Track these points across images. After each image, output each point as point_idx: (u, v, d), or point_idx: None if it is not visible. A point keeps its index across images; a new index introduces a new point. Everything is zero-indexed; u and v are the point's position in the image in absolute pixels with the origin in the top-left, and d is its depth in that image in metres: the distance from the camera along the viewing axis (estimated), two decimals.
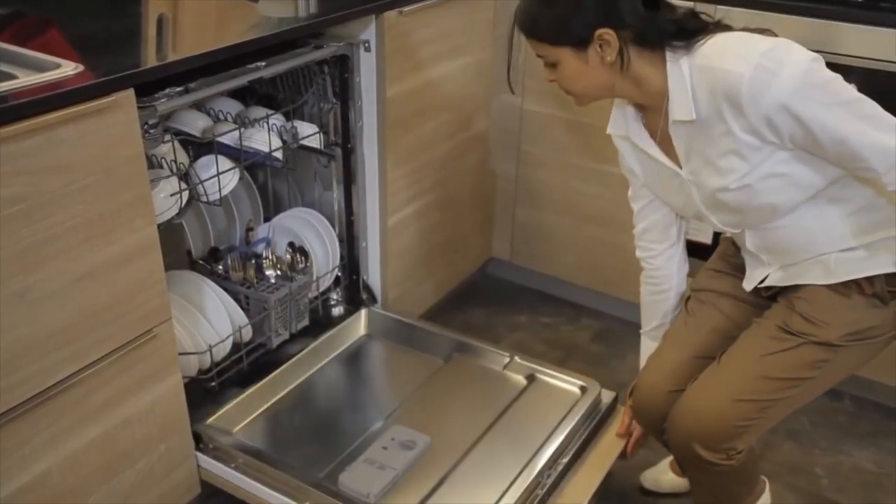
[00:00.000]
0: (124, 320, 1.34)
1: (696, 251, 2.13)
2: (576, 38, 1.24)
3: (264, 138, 1.66)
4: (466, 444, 1.60)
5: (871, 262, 1.27)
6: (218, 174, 1.60)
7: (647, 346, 1.61)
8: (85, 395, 1.31)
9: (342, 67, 1.75)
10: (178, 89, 1.39)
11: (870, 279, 1.28)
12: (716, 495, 1.50)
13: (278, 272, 1.82)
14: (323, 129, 1.80)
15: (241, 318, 1.73)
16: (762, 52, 1.16)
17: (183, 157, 1.57)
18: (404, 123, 1.89)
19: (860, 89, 1.78)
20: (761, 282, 1.39)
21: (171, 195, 1.52)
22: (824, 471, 1.89)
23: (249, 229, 1.91)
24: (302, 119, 1.81)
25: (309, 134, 1.76)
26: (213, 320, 1.67)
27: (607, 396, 1.71)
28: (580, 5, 1.22)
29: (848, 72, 1.78)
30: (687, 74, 1.23)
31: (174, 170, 1.53)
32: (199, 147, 1.66)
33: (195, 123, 1.64)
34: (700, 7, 1.87)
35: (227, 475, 1.54)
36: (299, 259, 1.87)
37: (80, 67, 1.21)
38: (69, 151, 1.17)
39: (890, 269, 1.26)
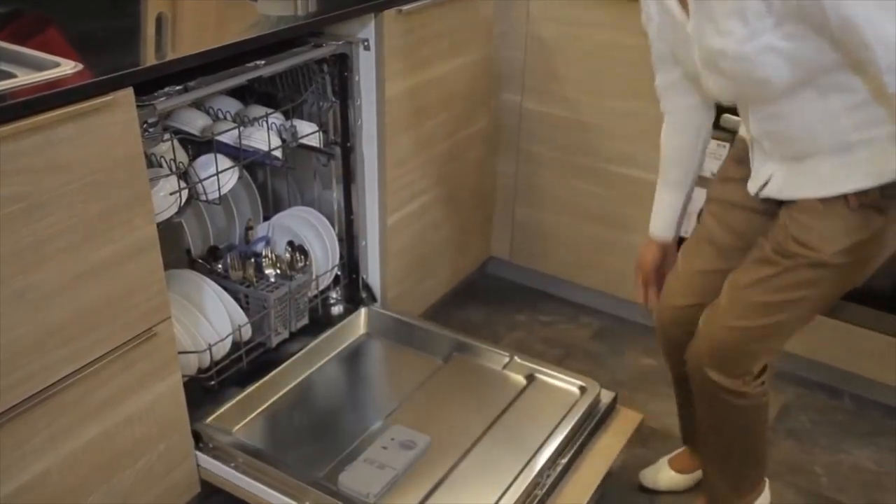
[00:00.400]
0: (124, 319, 1.33)
1: None
2: None
3: (263, 137, 1.66)
4: (466, 444, 1.60)
5: (863, 171, 1.23)
6: (217, 173, 1.60)
7: (661, 200, 1.57)
8: (84, 394, 1.31)
9: (341, 66, 1.75)
10: (178, 88, 1.39)
11: (865, 191, 1.24)
12: (730, 445, 1.51)
13: (278, 271, 1.82)
14: (322, 127, 1.80)
15: (240, 316, 1.73)
16: None
17: (182, 156, 1.57)
18: (404, 122, 1.89)
19: None
20: (763, 187, 1.37)
21: (171, 194, 1.52)
22: (824, 469, 1.89)
23: (249, 228, 1.91)
24: (301, 118, 1.81)
25: (308, 133, 1.76)
26: (212, 319, 1.67)
27: (607, 396, 1.71)
28: None
29: None
30: None
31: (173, 169, 1.53)
32: (198, 146, 1.66)
33: (194, 122, 1.64)
34: None
35: (226, 474, 1.54)
36: (299, 258, 1.87)
37: (80, 66, 1.21)
38: (68, 150, 1.17)
39: (876, 183, 1.23)
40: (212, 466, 1.56)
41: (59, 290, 1.22)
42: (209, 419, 1.60)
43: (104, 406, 1.35)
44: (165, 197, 1.51)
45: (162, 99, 1.36)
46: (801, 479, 1.86)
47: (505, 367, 1.82)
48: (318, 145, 1.79)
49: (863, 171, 1.24)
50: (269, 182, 2.03)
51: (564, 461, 1.54)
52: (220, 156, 1.61)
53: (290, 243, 1.89)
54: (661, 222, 1.57)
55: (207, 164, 1.61)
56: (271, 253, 1.84)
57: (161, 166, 1.54)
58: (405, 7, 1.75)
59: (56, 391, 1.25)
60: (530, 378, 1.78)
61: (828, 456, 1.92)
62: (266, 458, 1.54)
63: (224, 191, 1.63)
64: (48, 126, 1.13)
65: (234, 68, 1.49)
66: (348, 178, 1.89)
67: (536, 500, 1.47)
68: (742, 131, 1.45)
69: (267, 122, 1.68)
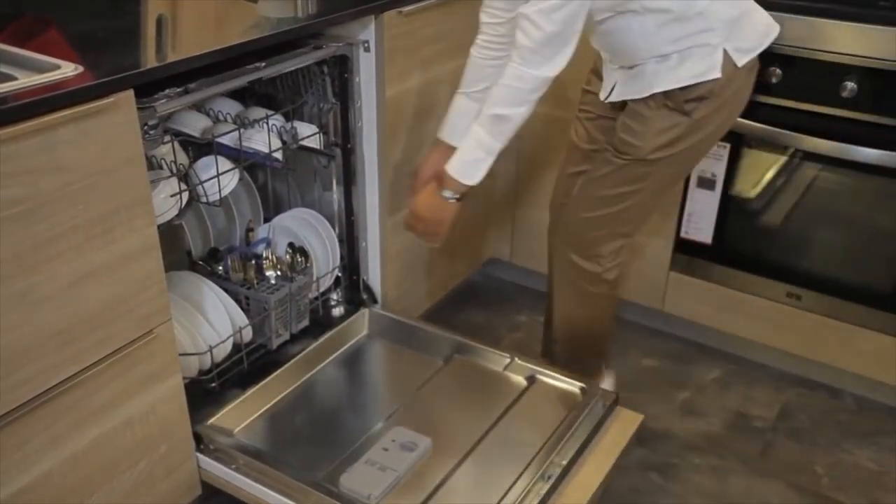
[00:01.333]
0: (125, 321, 1.33)
1: (695, 251, 2.13)
2: None
3: (264, 139, 1.66)
4: (467, 446, 1.60)
5: (679, 73, 1.49)
6: (218, 175, 1.60)
7: (462, 106, 1.67)
8: (85, 395, 1.31)
9: (342, 68, 1.75)
10: (178, 90, 1.39)
11: (669, 95, 1.51)
12: (577, 332, 1.82)
13: (278, 273, 1.82)
14: (323, 129, 1.80)
15: (241, 318, 1.73)
16: None
17: (183, 158, 1.57)
18: (404, 123, 1.89)
19: (859, 88, 1.80)
20: (609, 94, 1.63)
21: (171, 196, 1.52)
22: (825, 469, 1.89)
23: (249, 230, 1.91)
24: (301, 119, 1.81)
25: (309, 134, 1.76)
26: (213, 321, 1.67)
27: (607, 397, 1.71)
28: None
29: (847, 71, 1.80)
30: None
31: (174, 171, 1.53)
32: (198, 148, 1.66)
33: (195, 124, 1.64)
34: None
35: (227, 476, 1.54)
36: (299, 259, 1.86)
37: (80, 68, 1.21)
38: (69, 152, 1.17)
39: (684, 83, 1.50)
40: (213, 468, 1.56)
41: (60, 291, 1.22)
42: (210, 421, 1.60)
43: (105, 408, 1.35)
44: (166, 199, 1.51)
45: (162, 101, 1.36)
46: (801, 478, 1.86)
47: (506, 368, 1.82)
48: (318, 147, 1.79)
49: (674, 76, 1.50)
50: (269, 183, 2.03)
51: (565, 462, 1.54)
52: (220, 158, 1.61)
53: (291, 245, 1.88)
54: (450, 128, 1.71)
55: (208, 166, 1.61)
56: (272, 255, 1.84)
57: (161, 168, 1.54)
58: (405, 8, 1.75)
59: (57, 393, 1.26)
60: (531, 379, 1.78)
61: (828, 456, 1.92)
62: (267, 459, 1.54)
63: (224, 192, 1.63)
64: (49, 128, 1.13)
65: (235, 70, 1.49)
66: (349, 179, 1.89)
67: (537, 501, 1.47)
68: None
69: (267, 123, 1.68)
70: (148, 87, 1.33)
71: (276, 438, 1.65)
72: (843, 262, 1.99)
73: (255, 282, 1.79)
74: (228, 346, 1.70)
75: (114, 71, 1.22)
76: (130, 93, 1.24)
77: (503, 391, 1.75)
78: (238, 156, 1.64)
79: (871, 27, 1.74)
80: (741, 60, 1.51)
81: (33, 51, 1.28)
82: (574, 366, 1.83)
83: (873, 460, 1.91)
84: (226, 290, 1.72)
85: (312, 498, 1.45)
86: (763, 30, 1.56)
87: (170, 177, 1.52)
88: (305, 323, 1.89)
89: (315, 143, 1.78)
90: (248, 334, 1.75)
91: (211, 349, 1.64)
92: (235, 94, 1.74)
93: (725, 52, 1.48)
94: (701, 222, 2.10)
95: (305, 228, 1.91)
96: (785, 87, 1.87)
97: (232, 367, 1.72)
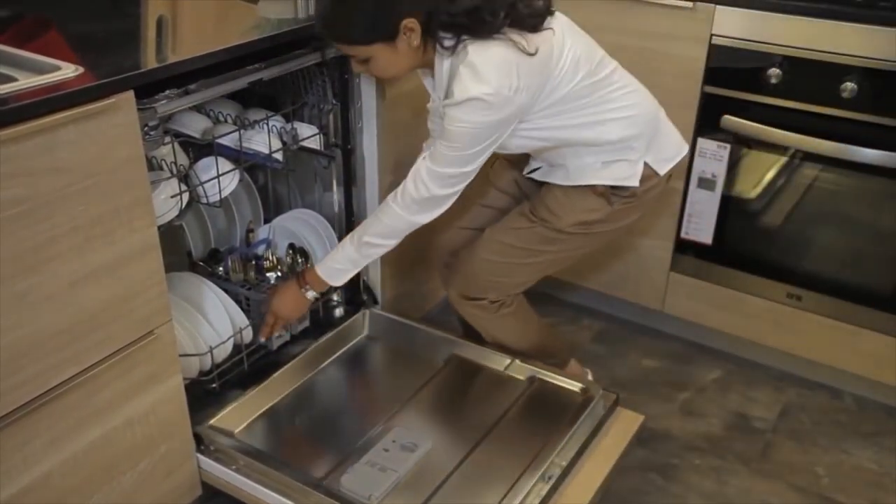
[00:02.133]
0: (125, 322, 1.33)
1: (695, 251, 2.13)
2: (385, 34, 1.41)
3: (264, 140, 1.66)
4: (467, 447, 1.60)
5: (597, 175, 1.60)
6: (218, 176, 1.60)
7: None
8: (85, 396, 1.31)
9: (342, 68, 1.75)
10: (178, 91, 1.39)
11: (595, 187, 1.62)
12: (513, 342, 1.84)
13: (279, 273, 1.82)
14: (323, 130, 1.80)
15: (241, 319, 1.73)
16: (482, 92, 1.40)
17: (183, 159, 1.57)
18: (404, 124, 1.89)
19: (859, 88, 1.80)
20: (532, 171, 1.73)
21: (172, 197, 1.52)
22: (825, 470, 1.89)
23: (250, 231, 1.91)
24: (302, 120, 1.81)
25: (309, 135, 1.76)
26: (213, 322, 1.67)
27: (608, 398, 1.71)
28: (383, 4, 1.39)
29: (847, 71, 1.80)
30: (445, 70, 1.46)
31: (174, 171, 1.53)
32: (199, 149, 1.66)
33: (195, 125, 1.64)
34: (697, 6, 1.88)
35: (228, 477, 1.54)
36: (300, 260, 1.86)
37: (80, 69, 1.21)
38: (69, 153, 1.17)
39: (608, 182, 1.61)
40: (213, 469, 1.56)
41: (60, 292, 1.22)
42: (210, 422, 1.60)
43: (105, 408, 1.35)
44: (166, 200, 1.51)
45: (163, 102, 1.36)
46: (802, 479, 1.86)
47: (506, 368, 1.82)
48: (318, 148, 1.79)
49: (597, 175, 1.60)
50: (269, 184, 2.03)
51: (565, 463, 1.54)
52: (220, 159, 1.61)
53: (292, 246, 1.88)
54: None
55: (208, 167, 1.61)
56: (272, 255, 1.83)
57: (162, 169, 1.54)
58: None
59: (57, 394, 1.26)
60: (531, 380, 1.78)
61: (829, 456, 1.92)
62: (267, 460, 1.54)
63: (225, 193, 1.63)
64: (49, 129, 1.13)
65: (235, 71, 1.49)
66: (349, 180, 1.89)
67: (538, 501, 1.47)
68: None
69: (268, 124, 1.68)
70: (148, 88, 1.33)
71: (276, 439, 1.65)
72: (843, 262, 1.99)
73: (256, 282, 1.78)
74: (229, 347, 1.70)
75: (114, 72, 1.22)
76: (131, 94, 1.24)
77: (503, 392, 1.75)
78: (238, 157, 1.64)
79: (871, 27, 1.74)
80: (662, 169, 1.64)
81: (34, 52, 1.28)
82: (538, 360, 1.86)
83: (874, 461, 1.91)
84: (226, 291, 1.72)
85: (313, 499, 1.45)
86: (677, 140, 1.70)
87: (170, 178, 1.52)
88: (306, 324, 1.89)
89: (315, 143, 1.78)
90: (248, 335, 1.75)
91: (211, 350, 1.64)
92: (236, 96, 1.74)
93: (646, 163, 1.61)
94: (701, 223, 2.10)
95: (305, 229, 1.91)
96: (785, 87, 1.87)
97: (232, 368, 1.73)
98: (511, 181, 1.83)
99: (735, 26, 1.88)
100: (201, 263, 1.83)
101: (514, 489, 1.47)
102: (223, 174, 1.61)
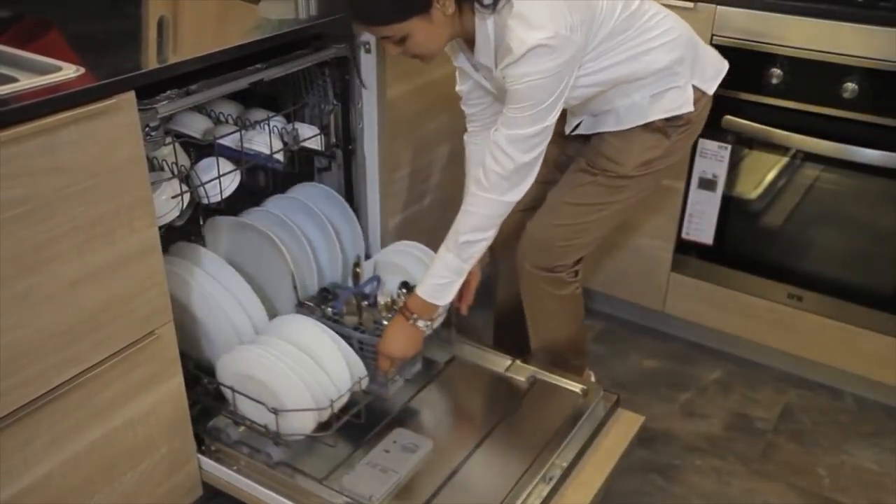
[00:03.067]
0: (125, 322, 1.33)
1: (696, 252, 2.13)
2: (418, 6, 1.37)
3: (265, 140, 1.66)
4: (468, 448, 1.59)
5: (649, 110, 1.58)
6: (219, 176, 1.60)
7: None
8: (86, 397, 1.31)
9: (343, 69, 1.75)
10: (179, 91, 1.39)
11: (651, 123, 1.58)
12: (554, 335, 1.83)
13: (391, 314, 1.66)
14: (324, 130, 1.80)
15: (360, 368, 1.58)
16: (541, 38, 1.36)
17: (184, 160, 1.57)
18: (404, 125, 1.89)
19: (860, 89, 1.80)
20: (575, 128, 1.69)
21: (172, 197, 1.52)
22: (826, 470, 1.88)
23: (356, 265, 1.80)
24: (303, 121, 1.81)
25: (310, 136, 1.76)
26: (330, 371, 1.53)
27: (609, 399, 1.71)
28: None
29: (848, 71, 1.80)
30: (490, 31, 1.42)
31: (175, 172, 1.53)
32: (199, 149, 1.66)
33: (196, 126, 1.64)
34: (698, 6, 1.88)
35: (228, 477, 1.54)
36: None
37: (81, 70, 1.21)
38: (70, 154, 1.17)
39: (663, 115, 1.58)
40: (214, 469, 1.56)
41: (61, 293, 1.22)
42: (211, 422, 1.60)
43: (106, 409, 1.35)
44: (167, 200, 1.51)
45: (164, 102, 1.36)
46: (803, 480, 1.86)
47: (507, 370, 1.81)
48: (319, 148, 1.79)
49: (646, 112, 1.58)
50: (271, 185, 2.02)
51: (566, 464, 1.54)
52: (221, 159, 1.61)
53: (405, 284, 1.73)
54: None
55: (209, 168, 1.61)
56: (386, 294, 1.70)
57: (163, 170, 1.54)
58: None
59: (58, 394, 1.26)
60: (532, 381, 1.78)
61: (830, 457, 1.92)
62: (268, 461, 1.54)
63: (226, 194, 1.63)
64: (50, 129, 1.13)
65: (236, 72, 1.49)
66: (350, 180, 1.89)
67: (539, 502, 1.47)
68: None
69: (268, 125, 1.67)
70: (149, 89, 1.33)
71: (277, 440, 1.64)
72: (844, 263, 1.99)
73: (374, 326, 1.63)
74: (345, 399, 1.56)
75: (115, 72, 1.22)
76: (132, 94, 1.24)
77: (504, 393, 1.75)
78: (239, 157, 1.64)
79: (871, 28, 1.74)
80: (710, 88, 1.63)
81: (35, 52, 1.29)
82: (559, 367, 1.84)
83: (875, 461, 1.91)
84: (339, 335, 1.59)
85: (313, 499, 1.45)
86: (716, 58, 1.67)
87: (171, 178, 1.52)
88: (418, 367, 1.74)
89: (316, 144, 1.78)
90: (365, 384, 1.59)
91: (332, 403, 1.50)
92: (237, 96, 1.74)
93: (694, 86, 1.60)
94: (702, 223, 2.10)
95: (413, 263, 1.77)
96: (786, 87, 1.87)
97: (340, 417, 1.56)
98: (553, 149, 1.69)
99: (736, 26, 1.88)
100: (309, 303, 1.68)
101: (515, 490, 1.47)
102: (224, 175, 1.61)
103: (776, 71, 1.86)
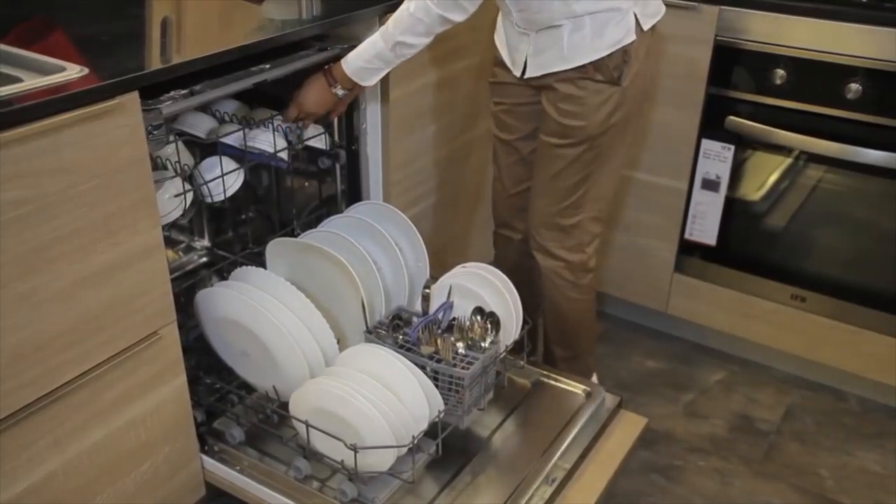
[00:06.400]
0: (129, 322, 1.34)
1: (699, 253, 2.13)
2: None
3: (269, 139, 1.66)
4: (471, 449, 1.59)
5: (591, 46, 1.55)
6: (223, 175, 1.60)
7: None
8: (89, 397, 1.31)
9: None
10: (183, 92, 1.39)
11: (598, 66, 1.56)
12: (575, 329, 1.87)
13: (469, 342, 1.57)
14: (327, 130, 1.80)
15: (438, 400, 1.49)
16: None
17: (187, 159, 1.57)
18: (407, 126, 1.89)
19: (863, 89, 1.80)
20: (524, 71, 1.66)
21: (175, 196, 1.52)
22: (829, 472, 1.88)
23: (426, 288, 1.72)
24: None
25: (314, 135, 1.76)
26: (409, 404, 1.44)
27: (611, 401, 1.70)
28: None
29: (852, 72, 1.79)
30: None
31: (178, 171, 1.53)
32: (204, 149, 1.66)
33: (201, 125, 1.64)
34: (701, 7, 1.88)
35: (231, 478, 1.54)
36: (489, 328, 1.59)
37: (85, 70, 1.22)
38: (73, 154, 1.17)
39: (606, 52, 1.55)
40: (217, 469, 1.56)
41: (64, 293, 1.22)
42: (215, 423, 1.60)
43: (109, 409, 1.35)
44: (171, 199, 1.51)
45: (167, 103, 1.36)
46: (806, 481, 1.86)
47: (509, 371, 1.81)
48: (323, 147, 1.79)
49: (592, 46, 1.55)
50: (273, 188, 2.02)
51: (569, 466, 1.54)
52: (225, 158, 1.61)
53: (479, 310, 1.61)
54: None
55: (213, 167, 1.61)
56: (465, 322, 1.60)
57: (166, 169, 1.54)
58: None
59: (61, 395, 1.26)
60: (535, 383, 1.78)
61: (833, 458, 1.92)
62: (271, 461, 1.54)
63: (229, 193, 1.62)
64: (54, 130, 1.14)
65: (240, 72, 1.49)
66: (354, 180, 1.89)
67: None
68: (499, 34, 1.74)
69: (272, 124, 1.68)
70: (153, 89, 1.33)
71: (280, 440, 1.64)
72: (847, 264, 1.99)
73: (455, 356, 1.55)
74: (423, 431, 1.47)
75: (119, 73, 1.22)
76: (135, 95, 1.24)
77: (507, 395, 1.75)
78: (243, 156, 1.64)
79: (875, 28, 1.74)
80: (646, 24, 1.60)
81: (39, 53, 1.29)
82: (574, 365, 1.88)
83: (878, 463, 1.91)
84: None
85: (316, 500, 1.45)
86: (658, 0, 1.66)
87: (174, 177, 1.52)
88: (490, 396, 1.65)
89: (320, 143, 1.78)
90: (441, 416, 1.49)
91: (414, 440, 1.42)
92: (241, 96, 1.73)
93: (635, 15, 1.57)
94: (705, 224, 2.09)
95: (487, 288, 1.64)
96: (789, 88, 1.87)
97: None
98: (510, 125, 1.80)
99: (739, 27, 1.88)
100: (380, 330, 1.61)
101: (518, 492, 1.47)
102: (227, 173, 1.61)
103: (780, 71, 1.86)
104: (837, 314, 2.00)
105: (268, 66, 1.54)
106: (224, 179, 1.61)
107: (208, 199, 1.62)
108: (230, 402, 1.65)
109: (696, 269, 2.16)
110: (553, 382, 1.77)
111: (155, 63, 1.33)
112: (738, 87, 1.93)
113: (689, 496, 1.82)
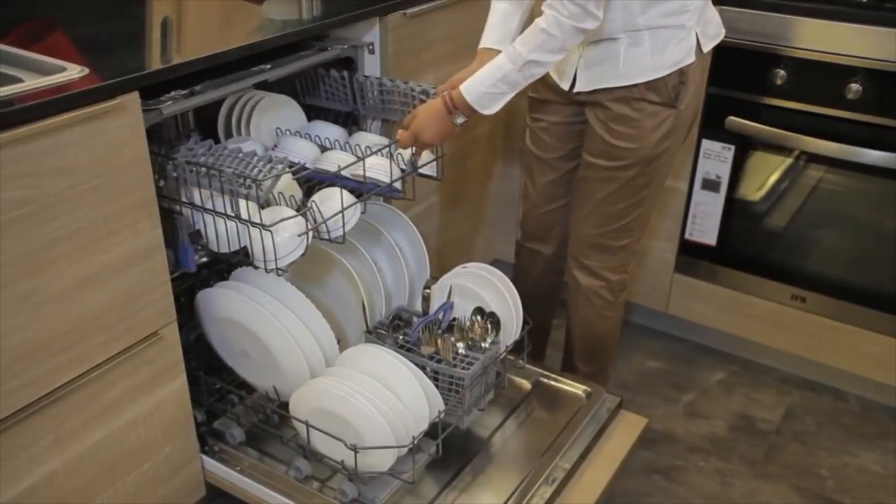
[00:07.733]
0: (129, 322, 1.34)
1: (699, 253, 2.13)
2: None
3: (383, 167, 1.52)
4: (471, 449, 1.59)
5: (656, 62, 1.49)
6: (342, 210, 1.44)
7: (503, 10, 1.65)
8: (90, 397, 1.31)
9: (347, 69, 1.75)
10: (184, 92, 1.39)
11: (655, 87, 1.50)
12: (600, 344, 1.84)
13: (468, 343, 1.58)
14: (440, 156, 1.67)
15: (438, 401, 1.48)
16: None
17: (296, 191, 1.47)
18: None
19: (863, 90, 1.80)
20: (573, 85, 1.58)
21: (299, 235, 1.38)
22: (830, 472, 1.88)
23: (426, 289, 1.71)
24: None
25: (428, 161, 1.63)
26: (409, 405, 1.44)
27: (612, 401, 1.71)
28: None
29: (852, 72, 1.80)
30: None
31: (298, 208, 1.41)
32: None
33: (303, 152, 1.56)
34: None
35: (231, 478, 1.54)
36: (489, 328, 1.60)
37: (85, 70, 1.22)
38: (74, 154, 1.17)
39: (666, 71, 1.49)
40: (217, 469, 1.56)
41: (65, 293, 1.22)
42: (215, 423, 1.60)
43: (109, 409, 1.35)
44: (291, 238, 1.37)
45: (168, 103, 1.36)
46: (806, 481, 1.86)
47: (510, 371, 1.81)
48: (434, 175, 1.67)
49: (651, 65, 1.49)
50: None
51: (569, 466, 1.54)
52: (343, 191, 1.46)
53: (479, 310, 1.61)
54: (495, 34, 1.65)
55: (327, 200, 1.45)
56: (465, 322, 1.60)
57: (279, 204, 1.42)
58: (410, 10, 1.75)
59: (61, 395, 1.26)
60: (536, 383, 1.78)
61: (833, 458, 1.92)
62: (271, 461, 1.54)
63: (348, 228, 1.46)
64: (54, 130, 1.14)
65: (240, 72, 1.49)
66: None
67: None
68: None
69: (391, 151, 1.54)
70: (153, 89, 1.33)
71: (280, 440, 1.64)
72: (848, 264, 1.99)
73: (455, 356, 1.55)
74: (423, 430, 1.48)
75: (119, 73, 1.23)
76: (136, 95, 1.24)
77: (507, 395, 1.75)
78: (358, 189, 1.51)
79: (876, 29, 1.74)
80: (707, 46, 1.55)
81: (39, 53, 1.29)
82: (598, 377, 1.86)
83: (878, 463, 1.91)
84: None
85: (316, 500, 1.45)
86: (718, 21, 1.60)
87: (295, 216, 1.39)
88: (491, 397, 1.64)
89: (431, 170, 1.65)
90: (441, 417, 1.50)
91: (414, 440, 1.42)
92: (311, 114, 1.69)
93: (696, 35, 1.51)
94: (706, 224, 2.10)
95: (487, 288, 1.62)
96: (790, 88, 1.87)
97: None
98: (547, 143, 1.74)
99: (740, 27, 1.88)
100: (381, 331, 1.60)
101: (518, 492, 1.47)
102: (346, 208, 1.44)
103: (780, 72, 1.86)
104: (838, 314, 2.00)
105: (268, 66, 1.53)
106: (343, 214, 1.44)
107: (325, 237, 1.45)
108: (230, 402, 1.65)
109: (696, 269, 2.16)
110: (553, 383, 1.77)
111: (155, 63, 1.33)
112: (739, 87, 1.93)
113: (689, 496, 1.82)
